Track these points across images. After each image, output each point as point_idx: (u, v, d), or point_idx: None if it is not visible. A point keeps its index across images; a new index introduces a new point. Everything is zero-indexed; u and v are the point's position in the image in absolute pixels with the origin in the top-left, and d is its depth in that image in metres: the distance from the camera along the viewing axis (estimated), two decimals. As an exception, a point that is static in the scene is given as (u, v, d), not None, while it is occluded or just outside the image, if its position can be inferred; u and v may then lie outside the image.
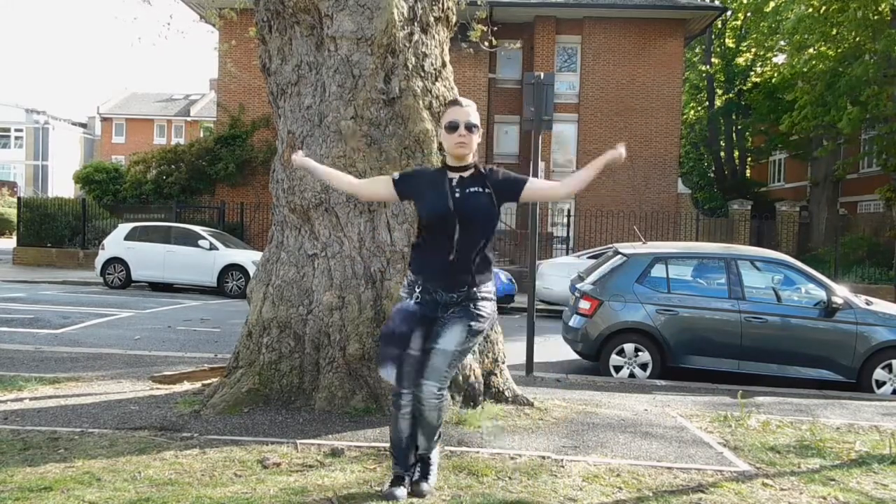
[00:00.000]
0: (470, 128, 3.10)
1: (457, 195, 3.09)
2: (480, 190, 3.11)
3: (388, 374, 3.17)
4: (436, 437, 3.26)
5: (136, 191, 20.73)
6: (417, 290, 3.13)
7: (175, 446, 3.80)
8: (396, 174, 3.29)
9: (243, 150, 21.09)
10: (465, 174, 3.16)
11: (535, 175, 6.95)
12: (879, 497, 3.57)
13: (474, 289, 3.13)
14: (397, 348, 3.12)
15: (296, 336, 4.64)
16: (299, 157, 3.37)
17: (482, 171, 3.19)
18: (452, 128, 3.11)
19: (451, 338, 3.08)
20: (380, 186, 3.31)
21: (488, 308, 3.18)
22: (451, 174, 3.17)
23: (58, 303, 11.62)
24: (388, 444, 3.89)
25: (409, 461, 3.26)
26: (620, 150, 3.10)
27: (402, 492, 3.14)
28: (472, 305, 3.13)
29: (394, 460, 3.27)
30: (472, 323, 3.11)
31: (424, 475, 3.25)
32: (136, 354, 7.04)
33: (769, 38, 24.76)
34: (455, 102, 3.19)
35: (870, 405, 6.13)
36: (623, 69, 21.90)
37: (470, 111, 3.14)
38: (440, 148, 4.76)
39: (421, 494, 3.15)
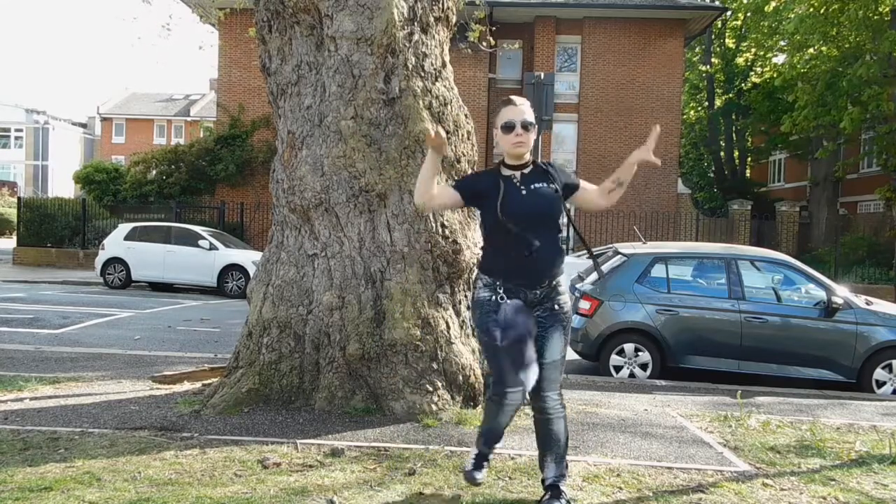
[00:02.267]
0: (526, 126, 3.07)
1: (523, 192, 3.06)
2: (546, 185, 3.08)
3: (522, 377, 2.98)
4: (565, 464, 3.19)
5: (136, 191, 20.73)
6: (500, 291, 3.06)
7: (175, 446, 3.80)
8: (454, 182, 3.21)
9: (243, 150, 21.09)
10: (526, 171, 3.12)
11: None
12: (879, 497, 3.57)
13: (554, 282, 3.11)
14: (521, 354, 3.00)
15: (296, 336, 4.64)
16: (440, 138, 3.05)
17: (541, 166, 3.17)
18: (509, 128, 3.08)
19: (554, 348, 3.10)
20: (446, 196, 3.19)
21: (567, 300, 3.18)
22: (510, 172, 3.12)
23: (58, 303, 11.61)
24: (388, 444, 3.91)
25: (498, 443, 3.25)
26: (650, 143, 3.03)
27: (482, 475, 3.14)
28: (555, 305, 3.10)
29: (483, 441, 3.18)
30: (564, 324, 3.13)
31: (558, 497, 3.09)
32: (136, 354, 7.04)
33: (769, 38, 24.79)
34: (509, 101, 3.14)
35: (870, 405, 6.13)
36: (623, 69, 21.91)
37: (524, 109, 3.11)
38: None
39: None
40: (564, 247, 3.20)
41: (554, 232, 3.09)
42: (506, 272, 3.07)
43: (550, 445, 3.14)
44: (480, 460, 3.23)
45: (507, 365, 3.00)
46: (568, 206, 3.23)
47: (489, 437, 3.19)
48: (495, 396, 3.06)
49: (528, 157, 3.15)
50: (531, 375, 3.01)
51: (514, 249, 3.03)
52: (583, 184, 3.21)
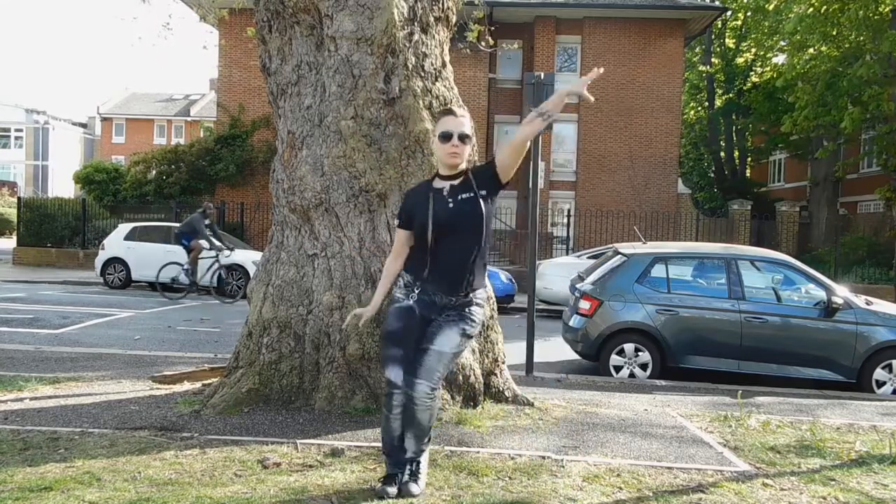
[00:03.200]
0: (463, 138, 3.13)
1: (450, 205, 3.12)
2: (470, 195, 3.13)
3: (396, 375, 3.16)
4: (426, 440, 3.27)
5: (136, 191, 20.73)
6: (416, 291, 3.16)
7: (175, 446, 3.80)
8: (396, 220, 3.33)
9: (243, 150, 21.08)
10: (456, 182, 3.18)
11: (535, 175, 6.95)
12: (879, 497, 3.57)
13: (471, 294, 3.18)
14: (401, 348, 3.15)
15: (296, 336, 4.64)
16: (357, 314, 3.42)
17: (469, 176, 3.20)
18: (446, 137, 3.14)
19: (445, 340, 3.13)
20: (401, 239, 3.30)
21: (480, 314, 3.24)
22: (442, 183, 3.20)
23: (58, 303, 11.61)
24: (381, 444, 3.91)
25: (402, 459, 3.28)
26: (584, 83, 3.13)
27: (394, 490, 3.17)
28: (466, 310, 3.18)
29: (387, 458, 3.30)
30: (466, 327, 3.17)
31: (414, 477, 3.23)
32: (136, 354, 7.04)
33: (769, 38, 24.79)
34: (449, 112, 3.21)
35: (870, 405, 6.14)
36: (623, 69, 21.90)
37: (464, 121, 3.17)
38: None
39: (411, 494, 3.16)
40: (486, 261, 3.26)
41: (475, 243, 3.13)
42: (426, 276, 3.15)
43: (411, 426, 3.18)
44: (390, 479, 3.21)
45: (392, 362, 3.17)
46: (495, 203, 3.26)
47: (388, 450, 3.28)
48: (383, 392, 3.25)
49: (462, 167, 3.20)
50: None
51: (440, 257, 3.11)
52: (498, 154, 3.23)
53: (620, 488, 3.47)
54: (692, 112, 33.05)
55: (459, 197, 3.13)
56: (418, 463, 3.26)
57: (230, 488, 3.20)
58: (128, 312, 10.79)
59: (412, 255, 3.28)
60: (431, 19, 4.82)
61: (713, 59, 29.96)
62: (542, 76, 6.86)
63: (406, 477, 3.22)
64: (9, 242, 25.76)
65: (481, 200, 3.12)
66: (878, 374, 7.05)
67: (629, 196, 21.48)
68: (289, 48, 4.83)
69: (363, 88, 4.54)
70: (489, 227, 3.17)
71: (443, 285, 3.14)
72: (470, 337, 3.21)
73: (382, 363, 3.25)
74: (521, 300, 12.26)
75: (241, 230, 19.69)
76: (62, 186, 43.64)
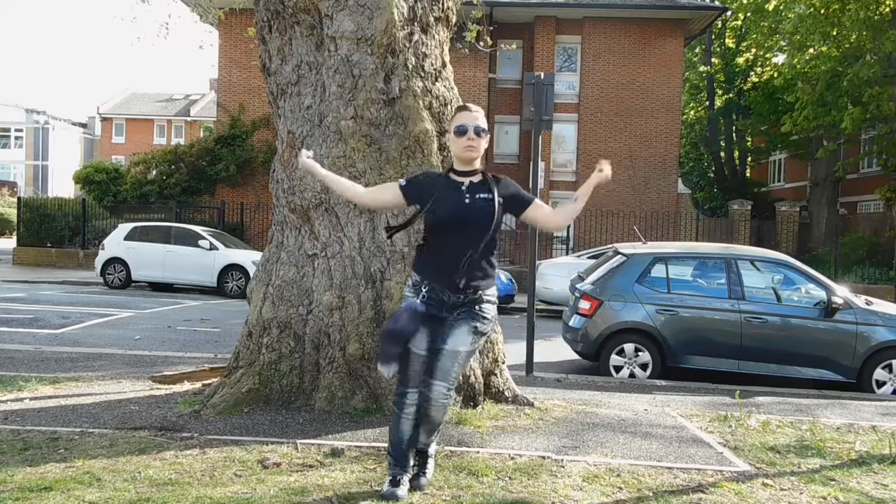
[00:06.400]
0: (479, 132, 3.17)
1: (466, 200, 3.14)
2: (489, 196, 3.15)
3: (388, 370, 3.15)
4: (436, 433, 3.35)
5: (136, 191, 20.73)
6: (424, 290, 3.16)
7: (175, 446, 3.80)
8: (403, 180, 3.29)
9: (243, 151, 21.08)
10: (475, 179, 3.21)
11: (535, 175, 6.96)
12: (879, 497, 3.57)
13: (480, 291, 3.19)
14: (400, 347, 3.13)
15: (296, 336, 4.65)
16: (305, 160, 3.29)
17: (488, 177, 3.22)
18: (461, 132, 3.16)
19: (458, 339, 3.14)
20: (386, 194, 3.30)
21: (492, 311, 3.25)
22: (459, 178, 3.21)
23: (58, 303, 11.61)
24: (388, 444, 3.91)
25: (408, 462, 3.28)
26: (606, 171, 3.11)
27: (402, 491, 3.17)
28: (476, 307, 3.19)
29: (393, 461, 3.27)
30: (477, 324, 3.18)
31: (422, 469, 3.33)
32: (136, 354, 7.04)
33: (769, 38, 24.78)
34: (464, 108, 3.26)
35: (870, 405, 6.14)
36: (623, 69, 21.90)
37: (478, 116, 3.21)
38: (440, 148, 4.78)
39: (420, 488, 3.25)
40: (496, 260, 3.26)
41: (489, 243, 3.16)
42: (435, 274, 3.16)
43: (424, 422, 3.21)
44: (396, 482, 3.19)
45: (390, 360, 3.12)
46: (521, 219, 3.28)
47: (396, 453, 3.22)
48: (390, 391, 3.29)
49: (478, 164, 3.24)
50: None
51: (448, 254, 3.12)
52: (536, 202, 3.26)
53: (620, 488, 3.47)
54: (692, 112, 33.04)
55: (477, 195, 3.15)
56: (427, 455, 3.34)
57: (230, 488, 3.20)
58: (128, 312, 10.79)
59: (419, 254, 3.29)
60: (431, 19, 4.82)
61: (713, 59, 29.95)
62: (542, 76, 6.85)
63: (415, 469, 3.29)
64: (9, 242, 25.75)
65: (497, 205, 3.13)
66: (878, 374, 7.05)
67: (629, 196, 21.47)
68: (289, 48, 4.83)
69: (363, 88, 4.54)
70: (497, 229, 3.17)
71: (451, 283, 3.13)
72: (482, 334, 3.22)
73: (380, 359, 3.14)
74: (521, 300, 12.26)
75: (241, 230, 19.70)
76: (62, 186, 43.64)
